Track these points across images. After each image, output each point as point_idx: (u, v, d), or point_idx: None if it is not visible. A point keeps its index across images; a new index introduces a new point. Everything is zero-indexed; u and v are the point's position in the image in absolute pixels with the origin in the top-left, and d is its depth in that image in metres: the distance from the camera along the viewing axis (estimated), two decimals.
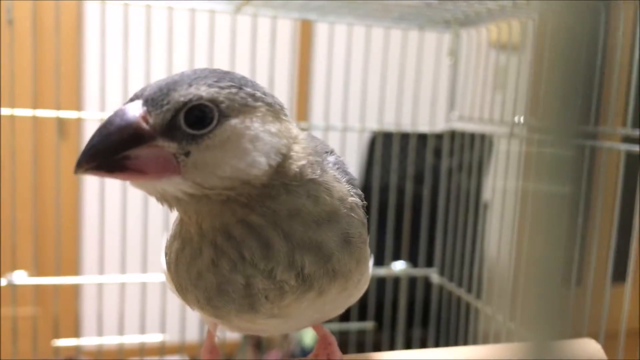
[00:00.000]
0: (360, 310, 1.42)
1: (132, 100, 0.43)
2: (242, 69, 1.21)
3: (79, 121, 2.21)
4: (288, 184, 0.45)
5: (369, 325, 1.43)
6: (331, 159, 0.52)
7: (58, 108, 1.12)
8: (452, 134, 1.42)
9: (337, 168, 0.51)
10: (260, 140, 0.43)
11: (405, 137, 1.47)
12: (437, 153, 1.58)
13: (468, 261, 1.36)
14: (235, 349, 2.24)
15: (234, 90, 0.43)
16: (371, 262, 0.57)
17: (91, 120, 1.30)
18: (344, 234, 0.48)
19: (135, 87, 1.32)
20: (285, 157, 0.45)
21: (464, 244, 1.39)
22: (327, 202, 0.47)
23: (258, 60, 1.23)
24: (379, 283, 1.38)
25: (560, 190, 0.22)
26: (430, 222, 1.40)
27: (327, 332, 0.60)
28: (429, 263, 1.44)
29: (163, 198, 0.45)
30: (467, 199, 1.41)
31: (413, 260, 1.43)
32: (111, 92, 1.22)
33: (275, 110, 0.45)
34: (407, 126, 1.40)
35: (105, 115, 1.16)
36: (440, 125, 1.42)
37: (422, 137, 1.50)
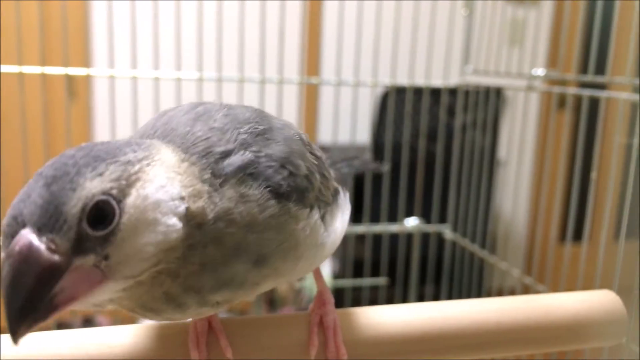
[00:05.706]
0: (374, 266, 1.43)
1: (13, 231, 0.36)
2: (251, 23, 1.18)
3: (87, 78, 2.20)
4: (202, 222, 0.42)
5: (382, 281, 1.43)
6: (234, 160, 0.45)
7: (66, 65, 1.10)
8: (467, 91, 1.39)
9: (241, 166, 0.45)
10: (162, 202, 0.40)
11: (418, 92, 1.44)
12: (451, 109, 1.55)
13: (482, 217, 1.35)
14: (249, 305, 2.27)
15: (111, 167, 0.39)
16: (347, 214, 0.57)
17: (100, 77, 1.29)
18: (257, 255, 0.45)
19: (143, 42, 1.29)
20: (185, 199, 0.41)
21: (477, 200, 1.38)
22: (243, 219, 0.44)
23: (268, 13, 1.20)
24: (392, 239, 1.38)
25: None
26: (443, 178, 1.39)
27: (324, 290, 0.57)
28: (442, 219, 1.43)
29: (100, 306, 0.41)
30: (482, 155, 1.39)
31: (426, 217, 1.42)
32: (119, 48, 1.20)
33: (152, 159, 0.41)
34: (420, 80, 1.37)
35: (115, 72, 1.15)
36: (454, 79, 1.39)
37: (436, 93, 1.47)
